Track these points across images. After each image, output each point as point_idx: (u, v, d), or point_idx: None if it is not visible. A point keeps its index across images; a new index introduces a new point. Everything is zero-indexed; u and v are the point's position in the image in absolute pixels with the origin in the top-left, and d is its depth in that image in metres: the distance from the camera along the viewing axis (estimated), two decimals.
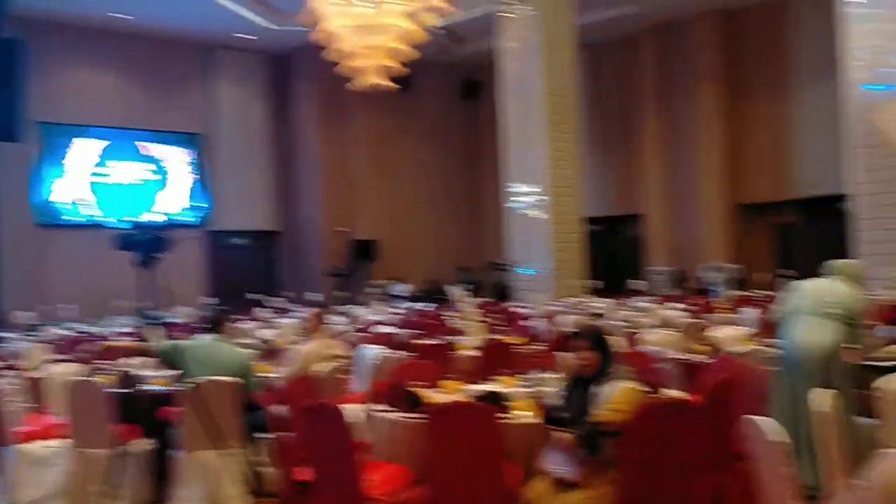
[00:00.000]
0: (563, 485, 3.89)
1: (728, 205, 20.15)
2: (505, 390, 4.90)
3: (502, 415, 4.28)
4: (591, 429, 3.93)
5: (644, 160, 21.45)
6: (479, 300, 13.73)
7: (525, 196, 17.03)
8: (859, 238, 13.56)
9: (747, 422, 3.51)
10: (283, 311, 15.66)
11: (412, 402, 4.55)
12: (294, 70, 22.54)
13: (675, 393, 4.99)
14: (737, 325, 8.58)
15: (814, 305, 5.40)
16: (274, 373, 6.79)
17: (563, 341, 4.62)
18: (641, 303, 13.33)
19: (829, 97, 15.78)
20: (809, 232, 18.42)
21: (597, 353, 4.15)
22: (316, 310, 7.99)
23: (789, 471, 3.23)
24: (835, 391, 4.12)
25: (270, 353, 8.16)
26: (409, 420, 4.37)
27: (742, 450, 4.54)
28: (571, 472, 3.88)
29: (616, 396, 3.97)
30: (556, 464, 3.95)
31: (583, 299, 14.67)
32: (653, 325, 9.66)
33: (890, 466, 1.15)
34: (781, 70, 19.54)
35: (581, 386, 4.16)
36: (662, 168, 21.10)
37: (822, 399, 3.96)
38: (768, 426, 3.30)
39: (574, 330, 4.24)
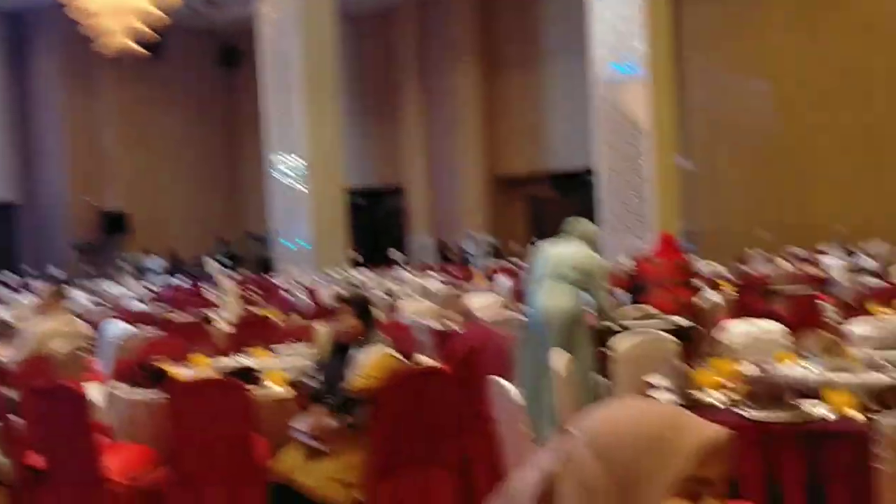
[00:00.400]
0: (314, 454, 3.86)
1: (486, 178, 20.85)
2: (257, 364, 4.79)
3: (252, 389, 4.17)
4: (346, 396, 3.93)
5: (406, 133, 21.74)
6: (238, 273, 13.40)
7: (285, 167, 16.77)
8: (603, 210, 14.42)
9: (491, 384, 3.62)
10: (20, 288, 14.52)
11: (156, 379, 4.34)
12: (33, 27, 20.85)
13: (427, 361, 5.08)
14: (491, 294, 8.89)
15: (554, 269, 5.64)
16: (4, 355, 6.26)
17: (328, 310, 4.59)
18: (402, 273, 13.53)
19: (580, 74, 16.53)
20: (562, 204, 19.41)
21: (360, 320, 4.16)
22: (52, 285, 7.45)
23: (527, 430, 3.37)
24: (573, 353, 4.35)
25: (4, 333, 7.53)
26: (151, 398, 4.17)
27: (488, 411, 4.72)
28: (323, 441, 3.86)
29: (370, 363, 3.98)
30: (307, 434, 3.91)
31: (344, 271, 14.69)
32: (412, 295, 9.81)
33: (600, 415, 1.19)
34: (534, 46, 20.33)
35: (340, 353, 4.14)
36: (423, 141, 21.48)
37: (559, 360, 4.17)
38: (509, 388, 3.42)
39: (341, 296, 4.21)
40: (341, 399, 3.94)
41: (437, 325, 6.94)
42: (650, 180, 14.06)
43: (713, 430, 1.15)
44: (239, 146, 23.44)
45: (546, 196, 20.46)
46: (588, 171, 15.98)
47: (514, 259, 15.44)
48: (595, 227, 6.00)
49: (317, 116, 16.58)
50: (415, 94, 21.59)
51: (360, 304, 4.25)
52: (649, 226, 13.59)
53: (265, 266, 17.86)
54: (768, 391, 3.26)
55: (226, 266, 15.62)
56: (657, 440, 1.13)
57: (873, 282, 7.91)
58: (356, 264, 16.37)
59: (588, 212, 15.14)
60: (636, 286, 6.49)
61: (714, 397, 3.41)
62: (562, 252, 5.73)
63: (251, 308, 9.10)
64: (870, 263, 9.70)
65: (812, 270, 9.98)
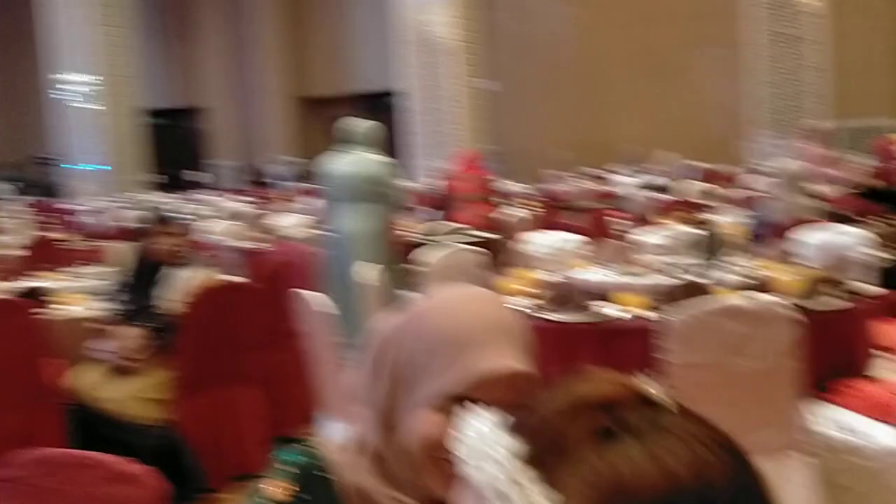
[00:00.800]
0: (118, 372, 3.72)
1: (291, 99, 20.41)
2: (51, 285, 4.54)
3: (45, 309, 3.96)
4: (163, 318, 3.81)
5: (207, 51, 20.87)
6: (26, 197, 12.56)
7: (76, 86, 15.71)
8: (410, 131, 14.47)
9: (298, 296, 3.59)
10: None
11: None
12: None
13: (235, 279, 4.98)
14: (298, 214, 8.79)
15: (350, 190, 5.52)
16: None
17: (133, 232, 4.33)
18: (206, 196, 13.12)
19: None
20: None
21: (176, 238, 4.02)
22: None
23: (336, 340, 3.37)
24: (380, 266, 4.38)
25: None
26: None
27: (294, 326, 4.70)
28: (129, 360, 3.72)
29: (186, 283, 3.87)
30: (112, 353, 3.76)
31: (143, 194, 14.07)
32: (218, 217, 9.55)
33: (431, 298, 1.18)
34: None
35: (151, 274, 3.98)
36: (225, 60, 20.70)
37: (367, 273, 4.18)
38: (317, 299, 3.40)
39: (155, 216, 4.01)
40: (157, 320, 3.83)
41: (243, 245, 6.82)
42: (455, 101, 14.21)
43: (504, 362, 1.10)
44: (19, 64, 21.72)
45: (351, 116, 20.22)
46: (394, 93, 15.94)
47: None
48: (372, 123, 5.75)
49: (110, 31, 15.57)
50: (216, 12, 20.70)
51: (174, 224, 4.10)
52: (455, 146, 13.77)
53: (52, 190, 16.82)
54: (568, 296, 3.41)
55: (12, 189, 14.60)
56: (450, 346, 1.10)
57: (661, 196, 8.41)
58: (156, 187, 15.71)
59: (393, 133, 15.19)
60: (445, 203, 6.58)
61: (518, 303, 3.53)
62: (352, 171, 5.55)
63: (43, 232, 8.58)
64: (657, 180, 10.27)
65: (606, 188, 10.47)
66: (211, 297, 3.90)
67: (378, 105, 18.79)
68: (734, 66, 14.00)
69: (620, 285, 3.59)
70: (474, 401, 1.07)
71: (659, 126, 15.81)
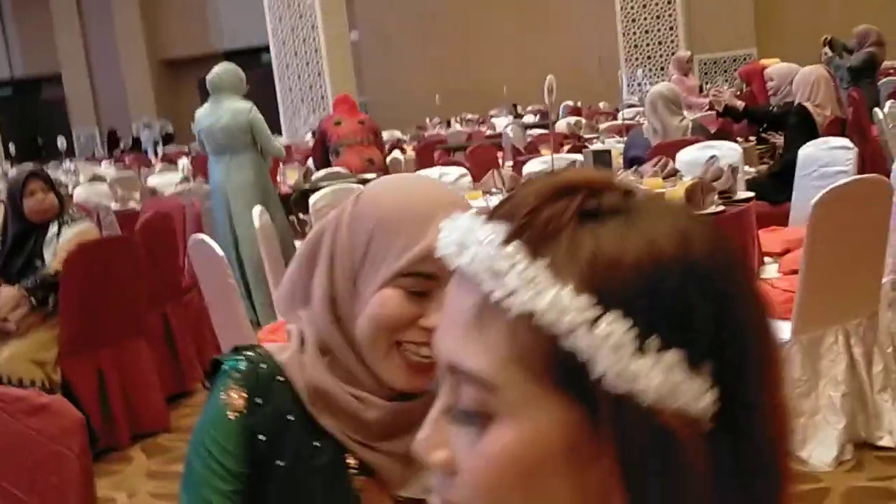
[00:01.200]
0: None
1: (152, 61, 19.68)
2: None
3: None
4: (44, 277, 3.65)
5: (56, 17, 19.84)
6: None
7: None
8: (279, 86, 14.19)
9: (191, 245, 3.49)
10: None
11: None
12: None
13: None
14: (170, 174, 8.54)
15: (222, 143, 5.35)
16: None
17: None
18: (69, 165, 12.55)
19: None
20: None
21: (53, 194, 3.82)
22: None
23: (231, 283, 3.30)
24: (267, 216, 4.29)
25: None
26: None
27: (187, 280, 4.58)
28: (9, 321, 3.56)
29: (63, 241, 3.71)
30: None
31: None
32: (85, 181, 9.16)
33: (379, 184, 1.19)
34: None
35: (23, 234, 3.78)
36: (77, 25, 19.76)
37: (246, 224, 4.09)
38: (208, 243, 3.31)
39: (29, 172, 3.78)
40: (34, 280, 3.65)
41: (117, 206, 6.59)
42: (323, 53, 14.00)
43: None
44: None
45: None
46: (261, 49, 15.58)
47: (193, 144, 14.88)
48: (234, 66, 5.53)
49: None
50: None
51: (47, 179, 3.89)
52: (326, 98, 13.60)
53: None
54: None
55: None
56: (397, 223, 1.08)
57: (539, 132, 8.56)
58: (10, 159, 14.95)
59: (264, 88, 14.86)
60: (326, 150, 6.48)
61: None
62: (211, 122, 5.35)
63: None
64: (533, 119, 10.43)
65: (485, 130, 10.56)
66: (91, 254, 3.76)
67: (247, 62, 18.30)
68: (607, 8, 14.30)
69: None
70: (422, 276, 1.06)
71: (535, 70, 15.96)
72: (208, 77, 5.41)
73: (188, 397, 4.41)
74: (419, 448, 0.58)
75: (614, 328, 0.50)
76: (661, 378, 0.50)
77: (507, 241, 0.53)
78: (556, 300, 0.50)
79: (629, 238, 0.51)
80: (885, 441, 3.06)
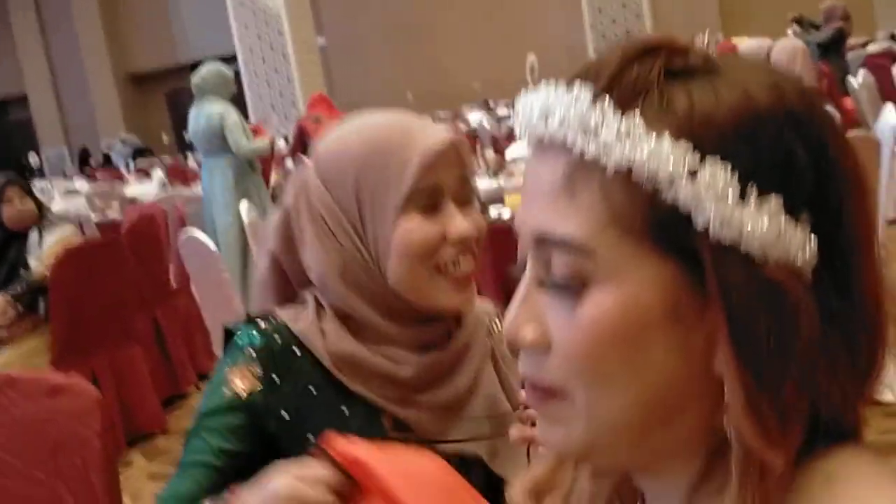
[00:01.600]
0: None
1: (118, 76, 19.51)
2: None
3: None
4: (30, 283, 3.61)
5: (18, 36, 19.63)
6: None
7: None
8: (249, 94, 14.14)
9: (182, 243, 3.47)
10: None
11: None
12: None
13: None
14: (147, 184, 8.48)
15: (204, 146, 5.33)
16: None
17: None
18: (41, 183, 12.42)
19: None
20: None
21: (30, 200, 3.78)
22: None
23: (226, 277, 3.28)
24: (255, 212, 4.27)
25: None
26: None
27: (175, 283, 4.54)
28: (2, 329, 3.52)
29: (47, 247, 3.67)
30: None
31: None
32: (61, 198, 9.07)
33: (328, 138, 1.18)
34: None
35: (10, 243, 3.74)
36: (40, 43, 19.56)
37: (243, 215, 4.07)
38: (199, 238, 3.29)
39: (3, 179, 3.73)
40: (27, 284, 3.61)
41: (97, 217, 6.54)
42: (292, 59, 13.96)
43: (433, 138, 1.07)
44: None
45: (187, 87, 19.57)
46: (228, 58, 15.49)
47: (164, 156, 14.79)
48: (218, 68, 5.46)
49: None
50: None
51: (28, 187, 3.85)
52: (297, 104, 13.57)
53: None
54: None
55: None
56: (379, 155, 1.06)
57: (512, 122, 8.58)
58: None
59: (235, 97, 14.79)
60: (305, 148, 6.45)
61: None
62: (199, 127, 5.32)
63: None
64: (506, 112, 10.46)
65: (460, 125, 10.56)
66: (78, 258, 3.71)
67: None
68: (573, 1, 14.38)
69: (499, 189, 3.64)
70: (429, 190, 1.06)
71: (505, 65, 16.00)
72: (192, 79, 5.34)
73: (183, 399, 4.38)
74: (508, 328, 0.56)
75: (717, 175, 0.49)
76: (765, 225, 0.49)
77: (596, 100, 0.52)
78: (656, 150, 0.49)
79: (722, 90, 0.51)
80: (887, 397, 3.10)
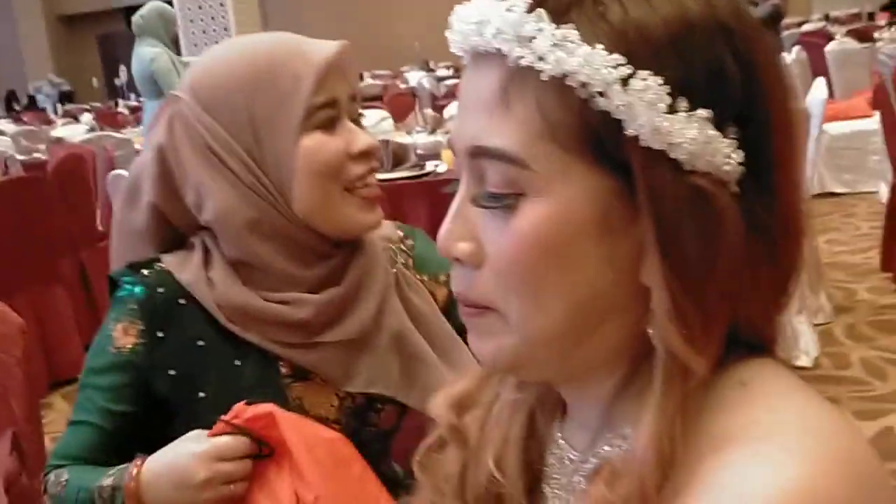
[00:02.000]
0: None
1: (49, 18, 18.88)
2: None
3: None
4: None
5: None
6: None
7: None
8: (185, 31, 13.80)
9: (110, 182, 3.40)
10: None
11: None
12: None
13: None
14: (76, 126, 8.28)
15: (138, 85, 5.19)
16: None
17: None
18: None
19: None
20: (132, 38, 18.20)
21: None
22: None
23: None
24: None
25: None
26: None
27: (103, 226, 4.44)
28: None
29: None
30: None
31: None
32: None
33: (201, 66, 1.11)
34: None
35: None
36: None
37: None
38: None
39: None
40: None
41: (23, 157, 6.33)
42: (229, 10, 13.67)
43: (323, 50, 1.02)
44: None
45: (120, 31, 19.06)
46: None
47: (94, 102, 14.41)
48: (159, 7, 5.25)
49: None
50: None
51: None
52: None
53: None
54: (398, 158, 3.40)
55: None
56: (270, 73, 1.00)
57: (452, 82, 8.57)
58: None
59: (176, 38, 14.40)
60: None
61: None
62: (136, 69, 5.14)
63: None
64: (446, 73, 10.43)
65: (399, 84, 10.52)
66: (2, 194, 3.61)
67: None
68: None
69: (438, 143, 3.64)
70: (326, 105, 1.01)
71: (444, 25, 15.89)
72: (133, 18, 5.16)
73: None
74: (442, 243, 0.57)
75: (649, 83, 0.50)
76: (694, 133, 0.50)
77: (531, 10, 0.52)
78: (589, 58, 0.50)
79: (655, 1, 0.51)
80: (802, 361, 3.20)
